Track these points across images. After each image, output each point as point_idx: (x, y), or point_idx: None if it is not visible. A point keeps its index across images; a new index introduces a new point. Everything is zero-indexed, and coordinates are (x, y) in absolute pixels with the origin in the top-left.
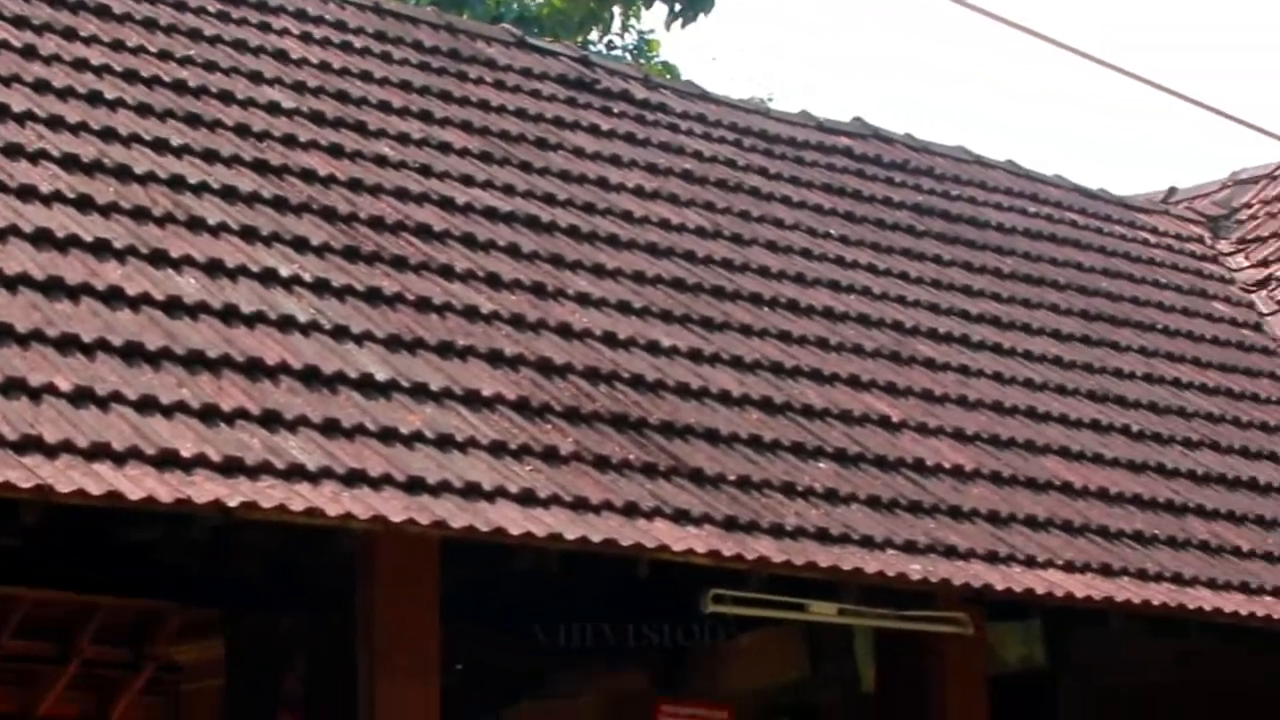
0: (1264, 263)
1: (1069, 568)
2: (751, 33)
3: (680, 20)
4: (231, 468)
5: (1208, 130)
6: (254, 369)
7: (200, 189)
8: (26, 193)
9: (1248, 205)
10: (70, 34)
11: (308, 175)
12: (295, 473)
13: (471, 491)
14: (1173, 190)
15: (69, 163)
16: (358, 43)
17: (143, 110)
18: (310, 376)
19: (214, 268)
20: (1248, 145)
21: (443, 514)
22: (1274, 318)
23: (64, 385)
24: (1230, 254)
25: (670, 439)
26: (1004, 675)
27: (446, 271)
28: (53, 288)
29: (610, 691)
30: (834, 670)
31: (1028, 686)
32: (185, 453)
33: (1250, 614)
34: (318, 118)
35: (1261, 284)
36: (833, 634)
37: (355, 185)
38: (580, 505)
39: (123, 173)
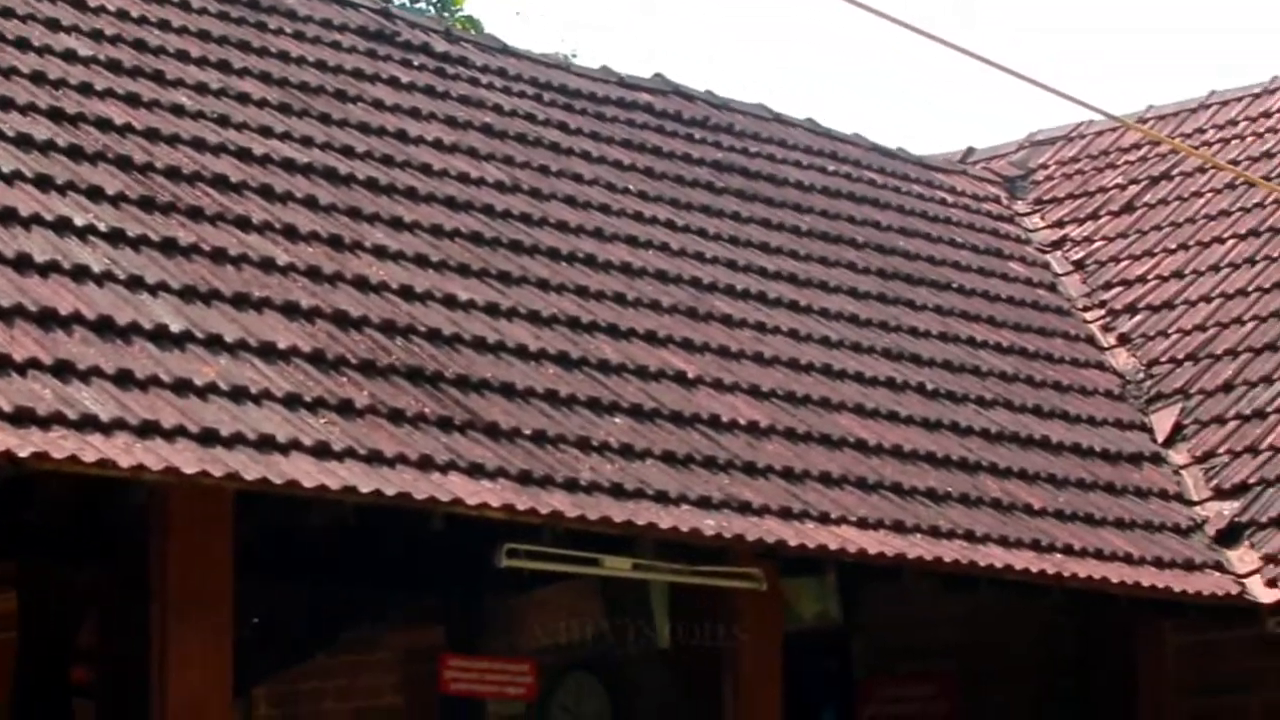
0: (1059, 223)
1: (862, 524)
2: None
3: None
4: (23, 418)
5: (1005, 92)
6: (47, 319)
7: None
8: None
9: (1044, 166)
10: None
11: (103, 124)
12: (88, 423)
13: (266, 444)
14: (970, 150)
15: None
16: None
17: None
18: (104, 327)
19: (7, 216)
20: (1045, 107)
21: (236, 466)
22: (1068, 278)
23: None
24: (1026, 214)
25: (466, 393)
26: (799, 631)
27: (243, 223)
28: None
29: (405, 647)
30: (631, 626)
31: (823, 642)
32: None
33: (1041, 571)
34: (114, 66)
35: (1057, 244)
36: (630, 590)
37: (152, 135)
38: (375, 458)
39: None
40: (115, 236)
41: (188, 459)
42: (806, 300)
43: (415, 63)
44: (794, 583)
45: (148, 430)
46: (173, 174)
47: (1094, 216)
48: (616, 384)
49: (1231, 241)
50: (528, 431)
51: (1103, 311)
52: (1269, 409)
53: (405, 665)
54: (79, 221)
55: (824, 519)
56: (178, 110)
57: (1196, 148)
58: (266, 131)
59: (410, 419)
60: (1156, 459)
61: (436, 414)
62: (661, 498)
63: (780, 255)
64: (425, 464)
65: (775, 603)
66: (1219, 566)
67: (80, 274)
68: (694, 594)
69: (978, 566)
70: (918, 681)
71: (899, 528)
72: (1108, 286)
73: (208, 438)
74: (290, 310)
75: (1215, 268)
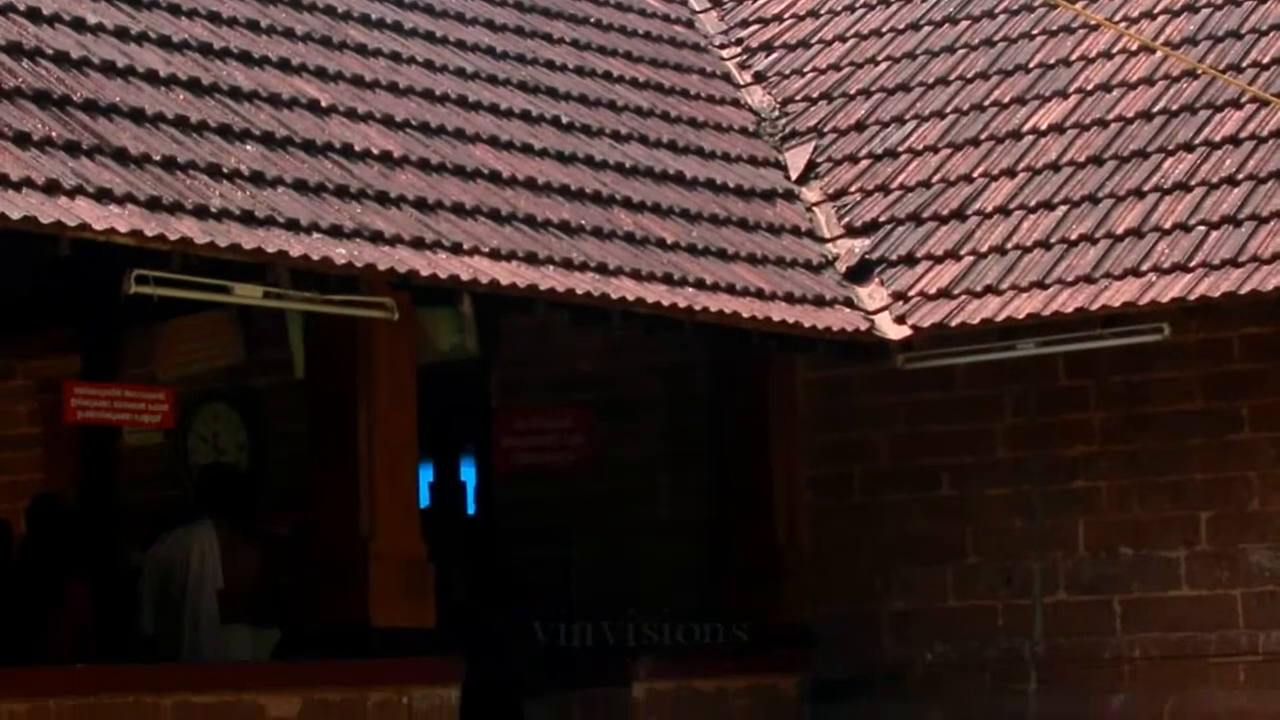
0: None
1: (495, 255)
2: None
3: None
4: None
5: None
6: None
7: None
8: None
9: None
10: None
11: None
12: None
13: None
14: None
15: None
16: None
17: None
18: None
19: None
20: None
21: None
22: (706, 15)
23: None
24: None
25: (94, 117)
26: (438, 363)
27: None
28: None
29: (42, 375)
30: (269, 356)
31: (460, 373)
32: None
33: (673, 305)
34: None
35: None
36: (267, 320)
37: None
38: (0, 182)
39: None
40: None
41: None
42: (443, 31)
43: None
44: (430, 314)
45: None
46: None
47: None
48: (248, 111)
49: None
50: (157, 157)
51: (739, 49)
52: (900, 148)
53: (41, 395)
54: None
55: (456, 249)
56: None
57: None
58: None
59: (36, 143)
60: (789, 196)
61: (64, 138)
62: (293, 226)
63: None
64: (52, 189)
65: (408, 333)
66: (849, 303)
67: None
68: (328, 324)
69: (610, 299)
70: (553, 414)
71: (532, 259)
72: (745, 24)
73: None
74: None
75: (850, 8)
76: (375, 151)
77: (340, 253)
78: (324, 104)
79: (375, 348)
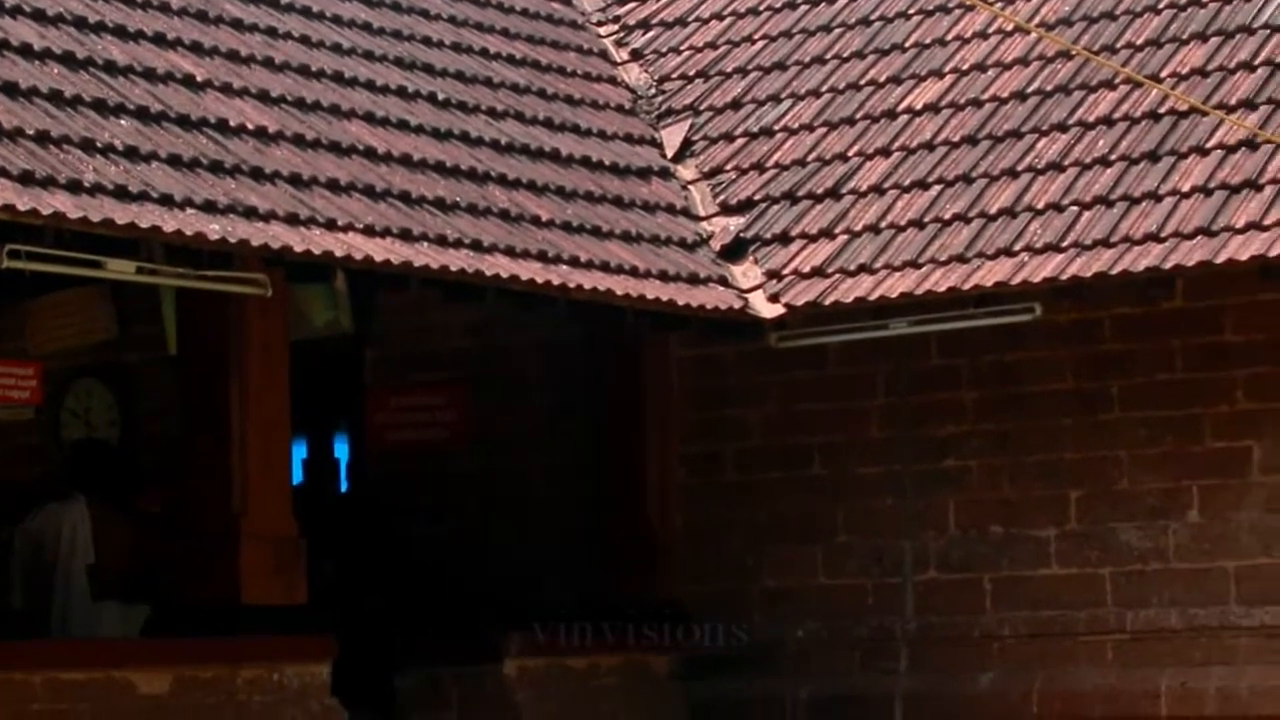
0: None
1: (369, 232)
2: None
3: None
4: None
5: None
6: None
7: None
8: None
9: None
10: None
11: None
12: None
13: None
14: None
15: None
16: None
17: None
18: None
19: None
20: None
21: None
22: None
23: None
24: None
25: None
26: (312, 339)
27: None
28: None
29: None
30: (142, 333)
31: (335, 350)
32: None
33: (547, 282)
34: None
35: None
36: (141, 296)
37: None
38: None
39: None
40: None
41: None
42: (319, 6)
43: None
44: (304, 290)
45: None
46: None
47: None
48: (123, 85)
49: None
50: (30, 132)
51: (616, 26)
52: (776, 127)
53: None
54: None
55: (331, 225)
56: None
57: None
58: None
59: None
60: (665, 174)
61: None
62: (166, 201)
63: None
64: None
65: (282, 309)
66: (724, 281)
67: None
68: (201, 300)
69: (484, 276)
70: (427, 391)
71: (406, 236)
72: (622, 1)
73: None
74: None
75: None
76: (250, 127)
77: (214, 228)
78: (199, 79)
79: (248, 324)
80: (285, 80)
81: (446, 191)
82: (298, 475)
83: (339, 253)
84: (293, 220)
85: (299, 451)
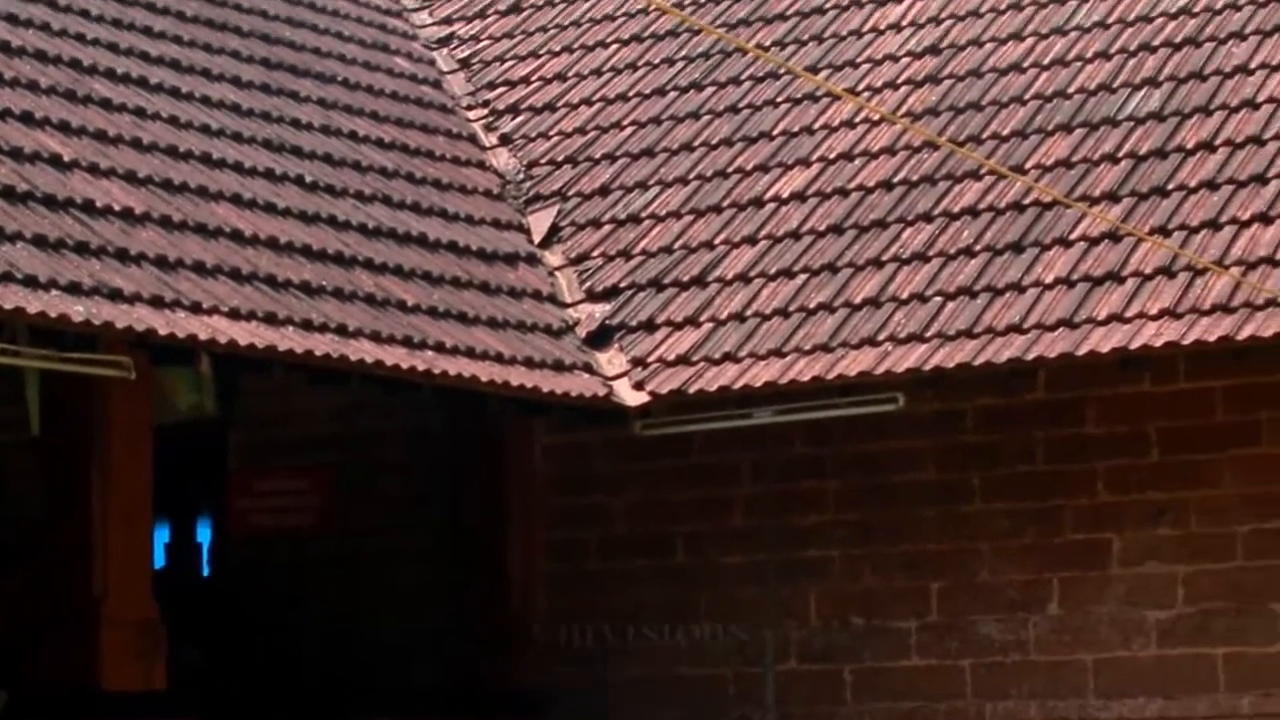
0: (447, 20)
1: (235, 315)
2: None
3: None
4: None
5: None
6: None
7: None
8: None
9: None
10: None
11: None
12: None
13: None
14: None
15: None
16: None
17: None
18: None
19: None
20: None
21: None
22: (453, 76)
23: None
24: (415, 10)
25: None
26: (176, 423)
27: None
28: None
29: None
30: (6, 414)
31: (198, 434)
32: None
33: (412, 368)
34: None
35: (444, 42)
36: (5, 378)
37: None
38: None
39: None
40: None
41: None
42: (188, 87)
43: None
44: (168, 373)
45: None
46: None
47: (481, 15)
48: None
49: (615, 46)
50: None
51: (486, 111)
52: (643, 214)
53: None
54: None
55: (196, 309)
56: None
57: None
58: None
59: None
60: (532, 259)
61: None
62: (31, 282)
63: (164, 40)
64: None
65: (146, 392)
66: (588, 368)
67: None
68: (65, 381)
69: (349, 361)
70: (291, 476)
71: (271, 319)
72: (492, 86)
73: None
74: None
75: (598, 72)
76: (117, 208)
77: (78, 310)
78: (66, 159)
79: (112, 406)
80: (153, 161)
81: (313, 275)
82: (160, 559)
83: (203, 336)
84: (158, 303)
85: (161, 535)
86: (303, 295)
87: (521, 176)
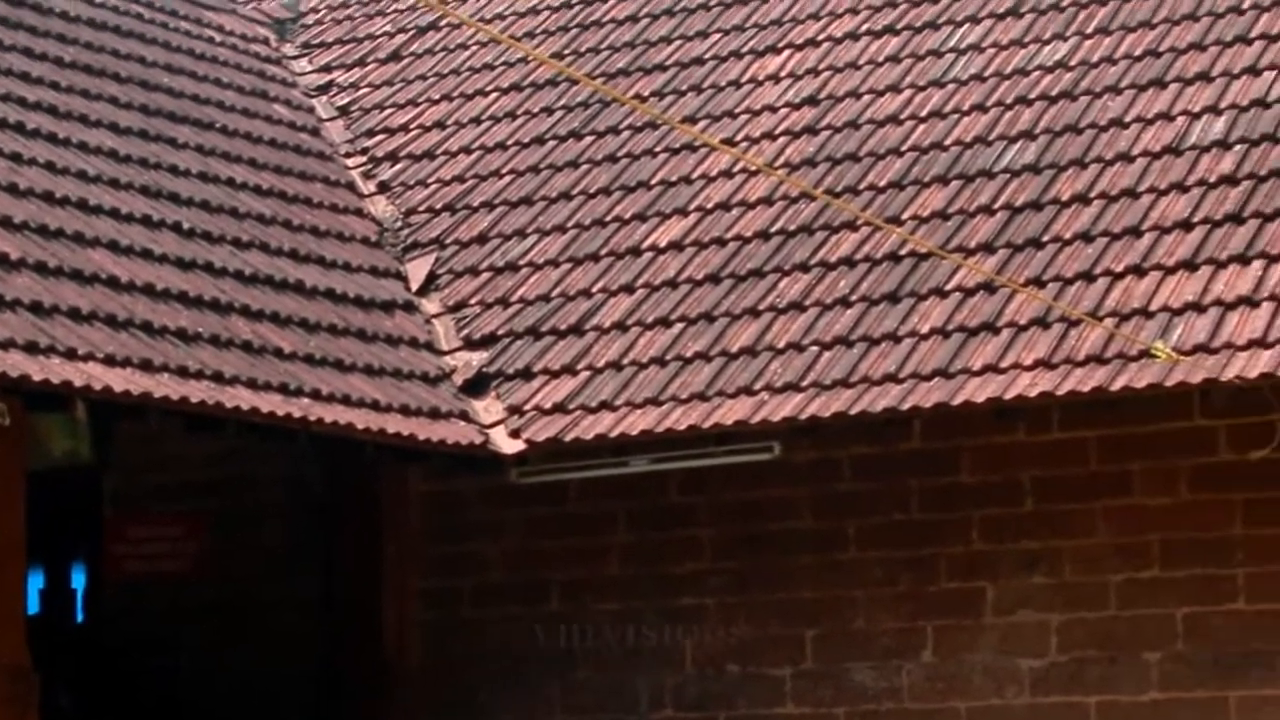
0: (327, 68)
1: (110, 362)
2: None
3: None
4: None
5: None
6: None
7: None
8: None
9: (314, 10)
10: None
11: None
12: None
13: None
14: None
15: None
16: None
17: None
18: None
19: None
20: None
21: None
22: (332, 123)
23: None
24: (294, 57)
25: None
26: (50, 468)
27: None
28: None
29: None
30: None
31: (73, 479)
32: None
33: (288, 415)
34: None
35: (323, 89)
36: None
37: None
38: None
39: None
40: None
41: None
42: (65, 133)
43: None
44: (43, 419)
45: None
46: None
47: (361, 63)
48: None
49: (494, 94)
50: None
51: (364, 158)
52: (521, 262)
53: None
54: None
55: (71, 355)
56: None
57: (465, 0)
58: None
59: None
60: (409, 307)
61: None
62: None
63: (41, 86)
64: None
65: (20, 438)
66: (465, 416)
67: None
68: None
69: (224, 408)
70: (167, 522)
71: (147, 366)
72: (371, 134)
73: None
74: None
75: (477, 120)
76: None
77: None
78: None
79: None
80: (29, 206)
81: (189, 322)
82: (33, 605)
83: (79, 382)
84: (32, 349)
85: (35, 581)
86: (179, 342)
87: (399, 224)
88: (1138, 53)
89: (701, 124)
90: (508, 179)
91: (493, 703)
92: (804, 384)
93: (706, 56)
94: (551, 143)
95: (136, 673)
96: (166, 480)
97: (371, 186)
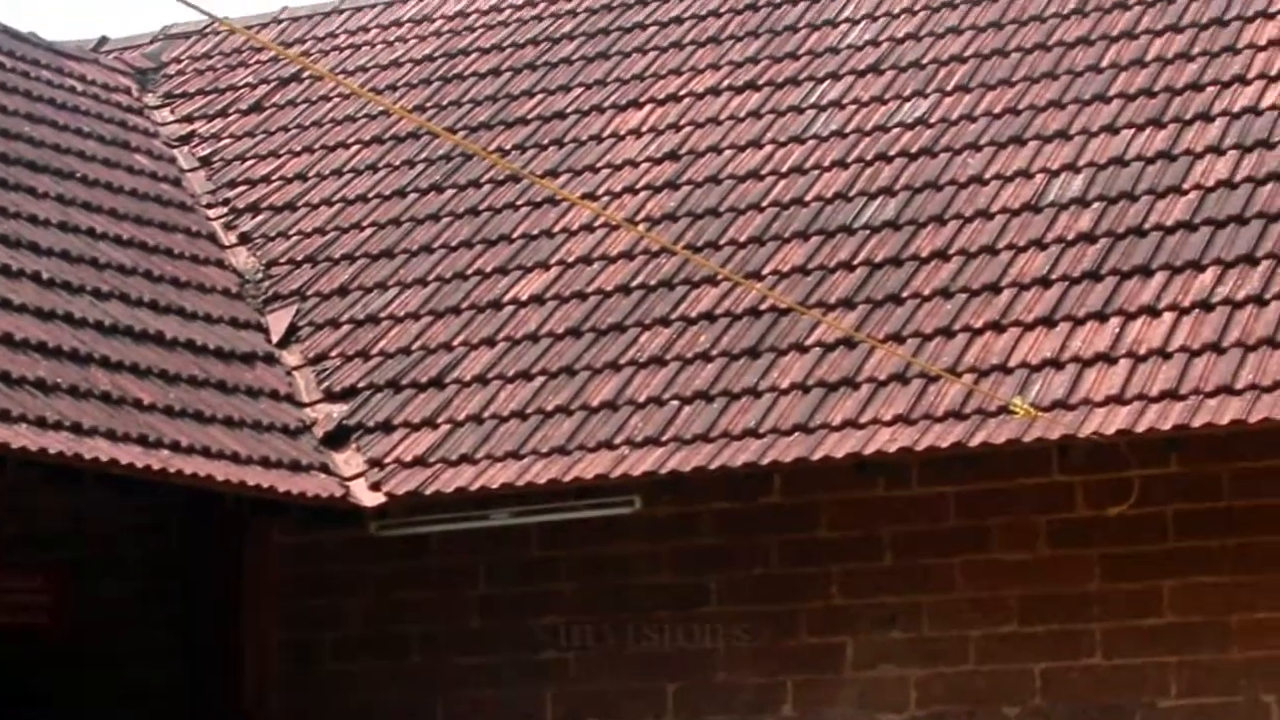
0: (189, 118)
1: None
2: None
3: None
4: None
5: None
6: None
7: None
8: None
9: (177, 60)
10: None
11: None
12: None
13: None
14: (104, 39)
15: None
16: None
17: None
18: None
19: None
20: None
21: None
22: (194, 174)
23: None
24: (156, 107)
25: None
26: None
27: None
28: None
29: None
30: None
31: None
32: None
33: (147, 467)
34: None
35: (185, 139)
36: None
37: None
38: None
39: None
40: None
41: None
42: None
43: None
44: None
45: None
46: None
47: (223, 114)
48: None
49: (355, 147)
50: None
51: (226, 209)
52: (382, 314)
53: None
54: None
55: None
56: None
57: (328, 53)
58: None
59: None
60: (270, 359)
61: None
62: None
63: None
64: None
65: None
66: (325, 468)
67: None
68: None
69: (83, 459)
70: (23, 574)
71: (5, 417)
72: (232, 185)
73: None
74: None
75: (339, 172)
76: None
77: None
78: None
79: None
80: None
81: (48, 372)
82: None
83: None
84: None
85: None
86: (37, 392)
87: (260, 275)
88: (997, 110)
89: (563, 178)
90: (369, 231)
91: None
92: (664, 438)
93: (568, 110)
94: (413, 195)
95: None
96: (23, 531)
97: (233, 238)
